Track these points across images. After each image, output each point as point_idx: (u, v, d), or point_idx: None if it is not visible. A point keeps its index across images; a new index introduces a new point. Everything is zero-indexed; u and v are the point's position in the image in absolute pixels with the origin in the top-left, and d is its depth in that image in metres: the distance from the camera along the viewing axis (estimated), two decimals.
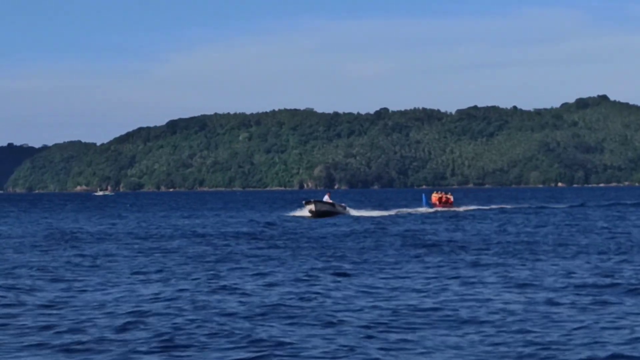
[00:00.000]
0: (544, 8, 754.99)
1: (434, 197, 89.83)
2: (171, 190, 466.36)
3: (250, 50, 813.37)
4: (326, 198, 79.24)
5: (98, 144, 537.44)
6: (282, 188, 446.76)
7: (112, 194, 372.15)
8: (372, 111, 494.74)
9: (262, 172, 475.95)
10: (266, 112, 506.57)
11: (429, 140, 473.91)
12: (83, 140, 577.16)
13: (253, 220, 76.64)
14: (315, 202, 77.31)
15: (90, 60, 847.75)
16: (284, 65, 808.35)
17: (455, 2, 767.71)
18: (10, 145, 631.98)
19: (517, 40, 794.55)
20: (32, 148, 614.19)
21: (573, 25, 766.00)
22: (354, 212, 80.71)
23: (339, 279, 30.04)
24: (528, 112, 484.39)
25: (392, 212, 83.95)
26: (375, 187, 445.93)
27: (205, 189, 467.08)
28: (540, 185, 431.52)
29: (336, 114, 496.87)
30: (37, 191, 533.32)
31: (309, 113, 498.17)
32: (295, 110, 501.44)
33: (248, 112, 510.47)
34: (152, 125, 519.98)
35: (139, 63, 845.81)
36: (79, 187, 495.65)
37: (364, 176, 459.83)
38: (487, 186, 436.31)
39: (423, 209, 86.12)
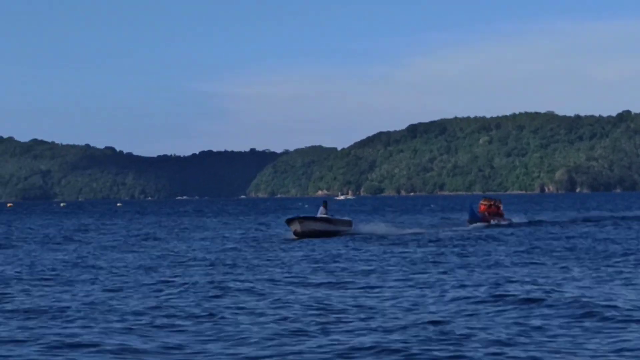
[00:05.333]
0: None
1: (482, 205, 70.59)
2: (411, 194, 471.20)
3: (491, 54, 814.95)
4: (321, 211, 58.64)
5: (339, 148, 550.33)
6: (523, 192, 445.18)
7: (354, 197, 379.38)
8: (614, 113, 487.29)
9: (502, 176, 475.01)
10: (506, 116, 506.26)
11: None
12: (324, 145, 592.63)
13: None
14: (300, 221, 57.13)
15: (332, 66, 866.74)
16: (524, 68, 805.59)
17: None
18: (252, 150, 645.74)
19: None
20: (274, 153, 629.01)
21: None
22: (367, 228, 62.05)
23: None
24: None
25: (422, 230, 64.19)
26: (618, 190, 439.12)
27: (446, 193, 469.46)
28: None
29: (578, 116, 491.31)
30: (279, 196, 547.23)
31: (550, 116, 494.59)
32: (536, 113, 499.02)
33: (488, 116, 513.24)
34: (392, 129, 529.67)
35: (381, 68, 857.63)
36: (320, 192, 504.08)
37: (606, 179, 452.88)
38: None
39: (465, 225, 67.90)
